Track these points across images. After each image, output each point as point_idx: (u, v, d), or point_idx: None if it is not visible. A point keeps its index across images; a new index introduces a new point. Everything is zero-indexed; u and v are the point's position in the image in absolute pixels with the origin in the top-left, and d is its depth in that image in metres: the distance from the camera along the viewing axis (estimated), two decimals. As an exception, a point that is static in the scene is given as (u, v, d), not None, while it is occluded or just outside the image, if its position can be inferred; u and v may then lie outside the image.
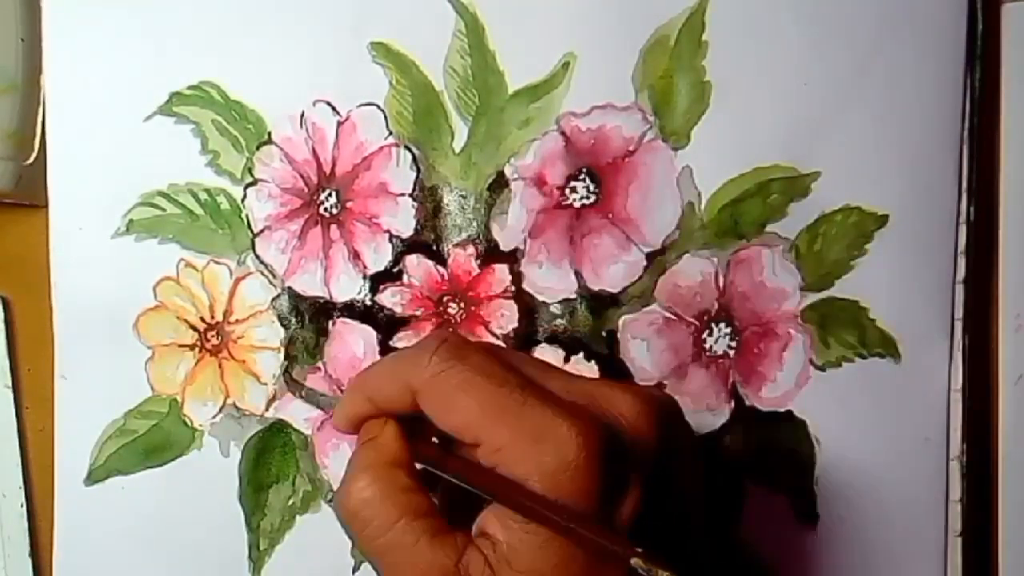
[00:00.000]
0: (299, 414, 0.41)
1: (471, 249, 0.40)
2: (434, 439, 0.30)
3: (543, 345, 0.40)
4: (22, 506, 0.42)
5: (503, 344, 0.40)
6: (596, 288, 0.40)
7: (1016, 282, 0.39)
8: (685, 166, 0.39)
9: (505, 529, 0.26)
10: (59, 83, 0.41)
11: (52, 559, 0.42)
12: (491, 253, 0.40)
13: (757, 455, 0.40)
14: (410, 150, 0.40)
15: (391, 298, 0.40)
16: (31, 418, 0.42)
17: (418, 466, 0.30)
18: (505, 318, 0.40)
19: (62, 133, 0.41)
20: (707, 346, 0.40)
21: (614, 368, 0.40)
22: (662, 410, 0.28)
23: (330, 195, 0.40)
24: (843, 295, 0.39)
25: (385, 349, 0.40)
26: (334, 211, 0.40)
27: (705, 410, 0.40)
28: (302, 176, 0.40)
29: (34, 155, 0.41)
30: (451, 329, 0.30)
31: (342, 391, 0.41)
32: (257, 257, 0.41)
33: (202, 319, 0.41)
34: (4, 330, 0.42)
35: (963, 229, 0.39)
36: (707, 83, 0.39)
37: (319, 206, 0.41)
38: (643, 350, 0.40)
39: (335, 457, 0.41)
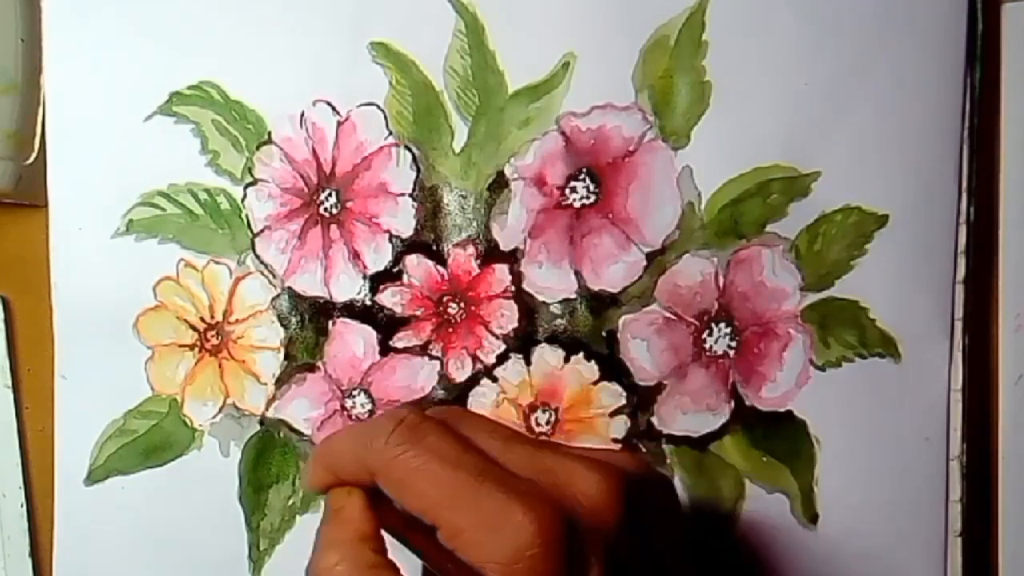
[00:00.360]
0: (299, 414, 0.41)
1: (471, 249, 0.40)
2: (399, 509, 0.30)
3: (543, 345, 0.40)
4: (22, 506, 0.42)
5: (504, 344, 0.40)
6: (596, 288, 0.40)
7: (1016, 282, 0.39)
8: (685, 166, 0.39)
9: None
10: (59, 83, 0.41)
11: (52, 559, 0.42)
12: (491, 253, 0.40)
13: (757, 455, 0.39)
14: (410, 150, 0.40)
15: (391, 298, 0.40)
16: (31, 418, 0.42)
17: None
18: (505, 318, 0.40)
19: (62, 133, 0.41)
20: (707, 346, 0.40)
21: (614, 367, 0.40)
22: (627, 484, 0.28)
23: (330, 195, 0.40)
24: (843, 295, 0.39)
25: (385, 349, 0.40)
26: (334, 211, 0.40)
27: (705, 410, 0.40)
28: (302, 176, 0.40)
29: (34, 155, 0.41)
30: (407, 409, 0.31)
31: (342, 391, 0.41)
32: (257, 257, 0.41)
33: (202, 319, 0.41)
34: (4, 330, 0.42)
35: (963, 229, 0.39)
36: (707, 83, 0.39)
37: (319, 206, 0.41)
38: (643, 350, 0.40)
39: (335, 457, 0.41)
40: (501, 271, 0.40)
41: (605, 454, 0.31)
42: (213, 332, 0.41)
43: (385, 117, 0.40)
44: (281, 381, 0.41)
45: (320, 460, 0.32)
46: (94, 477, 0.41)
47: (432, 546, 0.28)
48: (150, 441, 0.41)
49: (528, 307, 0.40)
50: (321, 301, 0.41)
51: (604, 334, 0.40)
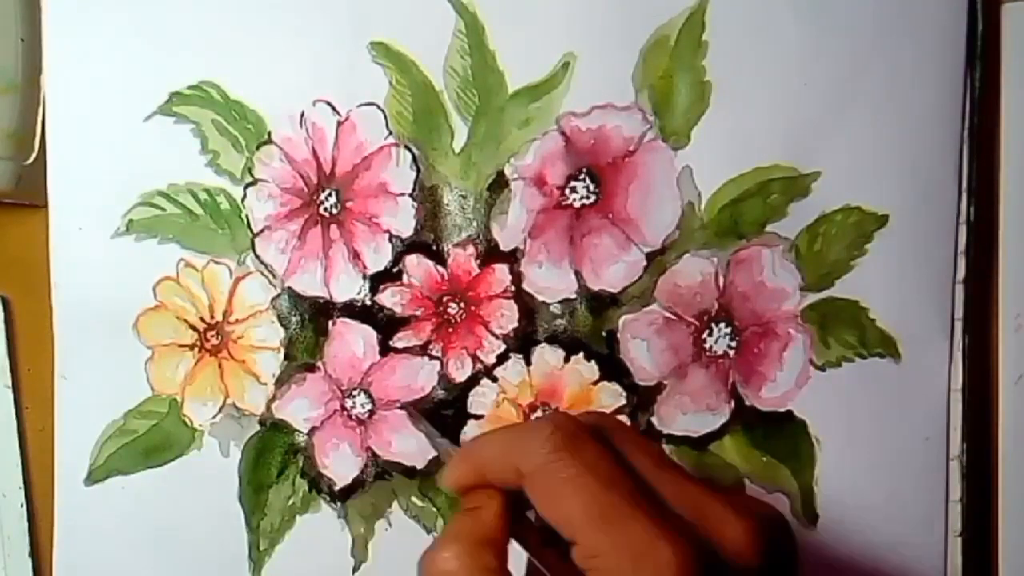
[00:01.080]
0: (298, 414, 0.41)
1: (471, 249, 0.40)
2: (534, 522, 0.30)
3: (543, 345, 0.40)
4: (22, 506, 0.42)
5: (504, 344, 0.40)
6: (596, 288, 0.40)
7: (1016, 282, 0.39)
8: (685, 166, 0.39)
9: None
10: (59, 83, 0.41)
11: (52, 558, 0.42)
12: (491, 253, 0.40)
13: (757, 455, 0.39)
14: (410, 150, 0.40)
15: (391, 298, 0.40)
16: (31, 418, 0.42)
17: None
18: (505, 318, 0.40)
19: (62, 133, 0.41)
20: (707, 346, 0.40)
21: (614, 367, 0.40)
22: (769, 534, 0.28)
23: (330, 195, 0.40)
24: (843, 295, 0.39)
25: (385, 349, 0.40)
26: (334, 211, 0.40)
27: (705, 410, 0.40)
28: (302, 176, 0.41)
29: (34, 155, 0.41)
30: (567, 414, 0.31)
31: (341, 391, 0.41)
32: (257, 257, 0.41)
33: (202, 319, 0.41)
34: (4, 330, 0.42)
35: (963, 229, 0.39)
36: (707, 83, 0.39)
37: (319, 206, 0.41)
38: (643, 350, 0.40)
39: (334, 457, 0.41)
40: (501, 271, 0.40)
41: (746, 499, 0.31)
42: (213, 332, 0.41)
43: (385, 117, 0.40)
44: (281, 381, 0.41)
45: (468, 457, 0.31)
46: (94, 477, 0.42)
47: (561, 564, 0.28)
48: (150, 441, 0.41)
49: (528, 307, 0.40)
50: (321, 301, 0.41)
51: (604, 334, 0.40)
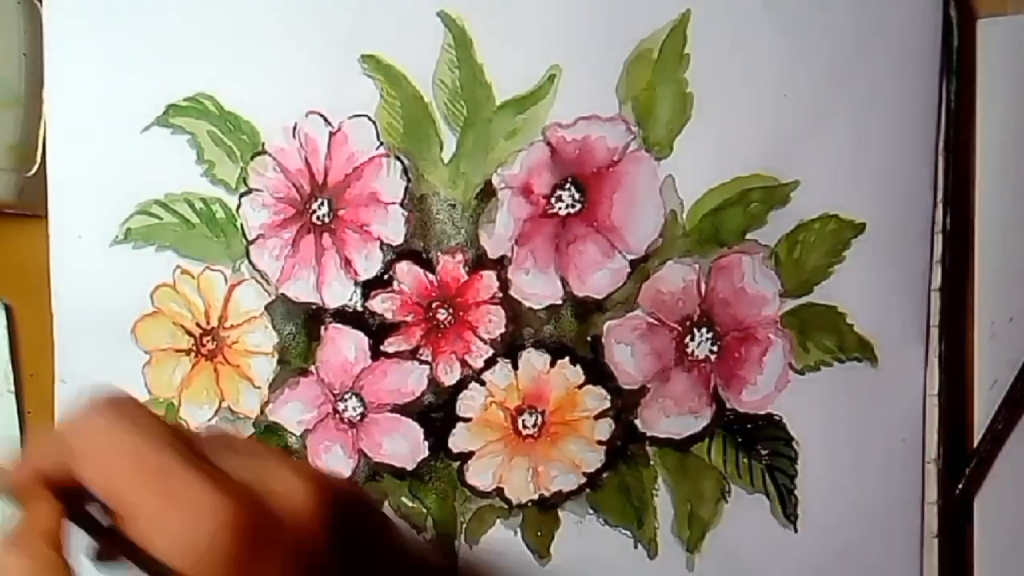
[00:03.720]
0: (292, 417, 0.42)
1: (460, 256, 0.41)
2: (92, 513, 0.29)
3: (530, 349, 0.41)
4: (24, 507, 0.43)
5: (491, 348, 0.41)
6: (581, 294, 0.41)
7: (991, 290, 0.40)
8: (668, 175, 0.40)
9: None
10: (59, 96, 0.42)
11: (52, 558, 0.43)
12: (479, 260, 0.41)
13: (738, 457, 0.40)
14: (400, 160, 0.41)
15: (382, 304, 0.41)
16: (33, 422, 0.43)
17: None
18: (493, 323, 0.41)
19: (62, 145, 0.42)
20: (689, 350, 0.41)
21: (598, 372, 0.41)
22: (342, 509, 0.27)
23: (322, 204, 0.41)
24: (822, 301, 0.40)
25: (376, 354, 0.41)
26: (326, 219, 0.41)
27: (687, 413, 0.41)
28: (295, 185, 0.42)
29: (35, 167, 0.42)
30: (95, 401, 0.29)
31: (334, 395, 0.42)
32: (251, 264, 0.42)
33: (198, 324, 0.42)
34: (6, 336, 0.43)
35: (939, 238, 0.39)
36: (689, 95, 0.40)
37: (312, 215, 0.42)
38: (627, 354, 0.41)
39: (327, 459, 0.42)
40: (489, 278, 0.41)
41: (324, 474, 0.30)
42: (209, 337, 0.42)
43: (376, 128, 0.41)
44: (275, 385, 0.42)
45: (25, 467, 0.28)
46: (93, 478, 0.42)
47: (126, 541, 0.26)
48: (148, 443, 0.42)
49: (515, 313, 0.41)
50: (314, 307, 0.42)
51: (589, 339, 0.41)
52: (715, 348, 0.40)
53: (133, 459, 0.26)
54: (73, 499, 0.27)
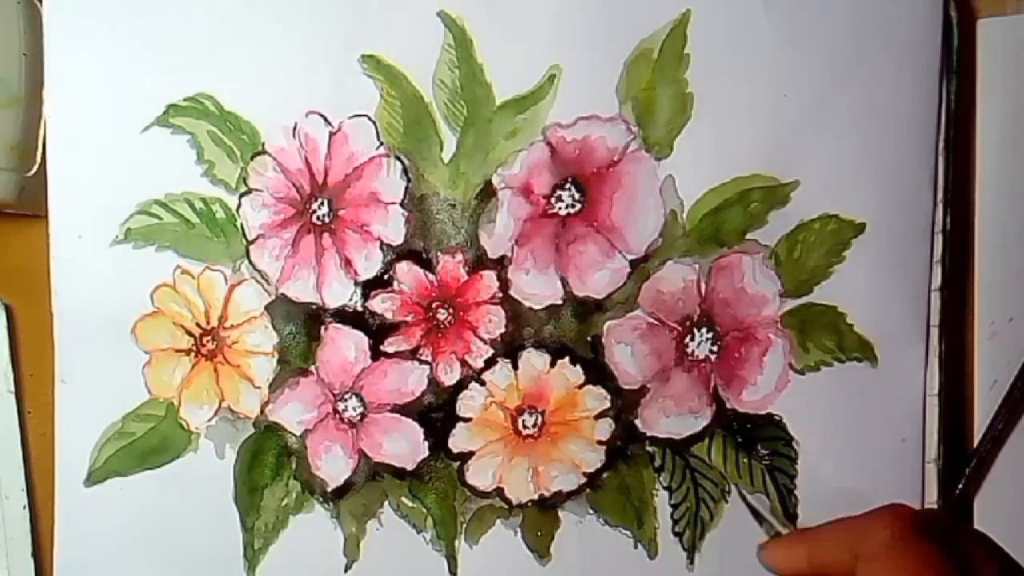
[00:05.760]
0: (292, 417, 0.42)
1: (460, 256, 0.41)
2: None
3: (530, 350, 0.41)
4: (24, 508, 0.43)
5: (491, 348, 0.41)
6: (581, 294, 0.41)
7: (991, 290, 0.40)
8: (668, 175, 0.40)
9: None
10: (59, 96, 0.42)
11: (53, 558, 0.43)
12: (479, 260, 0.41)
13: (738, 457, 0.40)
14: (400, 160, 0.41)
15: (382, 304, 0.41)
16: (33, 422, 0.43)
17: None
18: (493, 323, 0.41)
19: (62, 144, 0.42)
20: (689, 350, 0.41)
21: (598, 372, 0.41)
22: None
23: (322, 204, 0.41)
24: (822, 301, 0.40)
25: (376, 354, 0.41)
26: (326, 219, 0.41)
27: (687, 413, 0.41)
28: (295, 185, 0.42)
29: (35, 167, 0.42)
30: (907, 507, 0.32)
31: (334, 395, 0.42)
32: (251, 264, 0.42)
33: (198, 324, 0.42)
34: (7, 336, 0.43)
35: (939, 238, 0.40)
36: (689, 95, 0.40)
37: (312, 215, 0.42)
38: (627, 354, 0.41)
39: (327, 459, 0.42)
40: (489, 278, 0.41)
41: None
42: (209, 337, 0.42)
43: (376, 128, 0.41)
44: (275, 385, 0.42)
45: (802, 540, 0.32)
46: (94, 479, 0.42)
47: None
48: (148, 443, 0.42)
49: (515, 313, 0.41)
50: (314, 307, 0.42)
51: (589, 339, 0.41)
52: (715, 348, 0.40)
53: None
54: None
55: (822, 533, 0.31)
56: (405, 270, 0.41)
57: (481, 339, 0.41)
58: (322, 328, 0.42)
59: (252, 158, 0.42)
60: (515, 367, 0.41)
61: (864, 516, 0.30)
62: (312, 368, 0.42)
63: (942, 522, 0.31)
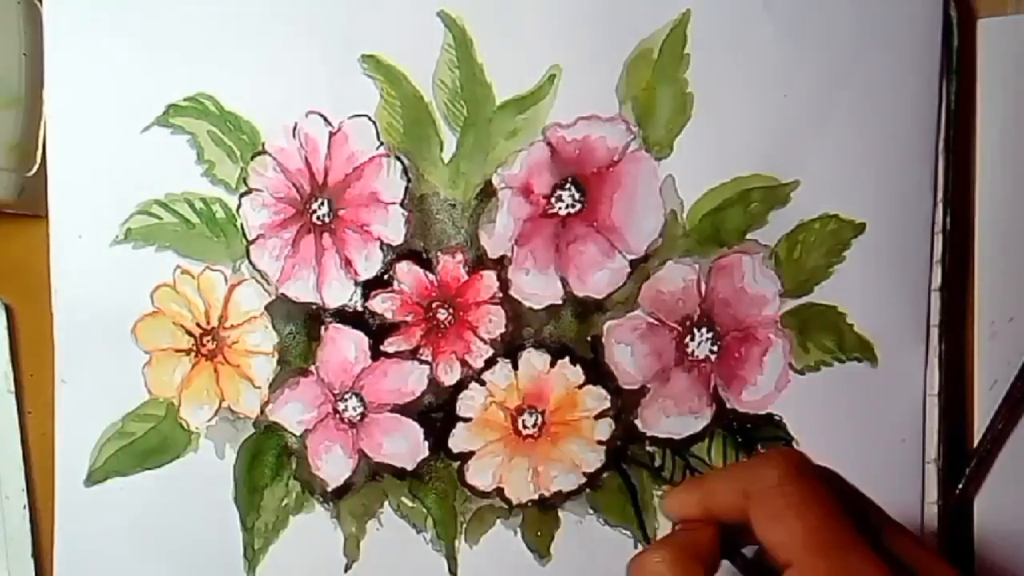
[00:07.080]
0: (292, 417, 0.42)
1: (460, 256, 0.41)
2: (745, 553, 0.31)
3: (530, 350, 0.41)
4: (24, 507, 0.43)
5: (491, 348, 0.41)
6: (581, 294, 0.41)
7: (991, 290, 0.40)
8: (668, 175, 0.40)
9: None
10: (59, 96, 0.42)
11: (53, 558, 0.43)
12: (479, 260, 0.41)
13: (738, 456, 0.40)
14: (400, 160, 0.41)
15: (382, 304, 0.41)
16: (33, 422, 0.43)
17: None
18: (493, 323, 0.41)
19: (62, 144, 0.42)
20: (689, 350, 0.41)
21: (598, 372, 0.41)
22: None
23: (322, 204, 0.41)
24: (822, 301, 0.40)
25: (376, 354, 0.41)
26: (326, 219, 0.42)
27: (687, 413, 0.41)
28: (295, 185, 0.42)
29: (35, 167, 0.42)
30: (797, 449, 0.33)
31: (334, 395, 0.42)
32: (251, 264, 0.42)
33: (198, 324, 0.42)
34: (7, 337, 0.43)
35: (939, 238, 0.40)
36: (689, 95, 0.40)
37: (312, 214, 0.42)
38: (627, 354, 0.41)
39: (327, 459, 0.42)
40: (489, 278, 0.41)
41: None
42: (209, 337, 0.42)
43: (376, 128, 0.41)
44: (275, 385, 0.42)
45: (694, 486, 0.31)
46: (94, 479, 0.42)
47: None
48: (148, 443, 0.42)
49: (515, 313, 0.41)
50: (314, 307, 0.42)
51: (589, 339, 0.41)
52: (715, 348, 0.40)
53: (813, 526, 0.27)
54: (729, 534, 0.30)
55: (715, 477, 0.32)
56: (405, 270, 0.41)
57: (481, 339, 0.41)
58: (322, 328, 0.42)
59: (252, 158, 0.42)
60: (515, 367, 0.41)
61: (754, 459, 0.31)
62: (312, 368, 0.42)
63: (827, 472, 0.31)
